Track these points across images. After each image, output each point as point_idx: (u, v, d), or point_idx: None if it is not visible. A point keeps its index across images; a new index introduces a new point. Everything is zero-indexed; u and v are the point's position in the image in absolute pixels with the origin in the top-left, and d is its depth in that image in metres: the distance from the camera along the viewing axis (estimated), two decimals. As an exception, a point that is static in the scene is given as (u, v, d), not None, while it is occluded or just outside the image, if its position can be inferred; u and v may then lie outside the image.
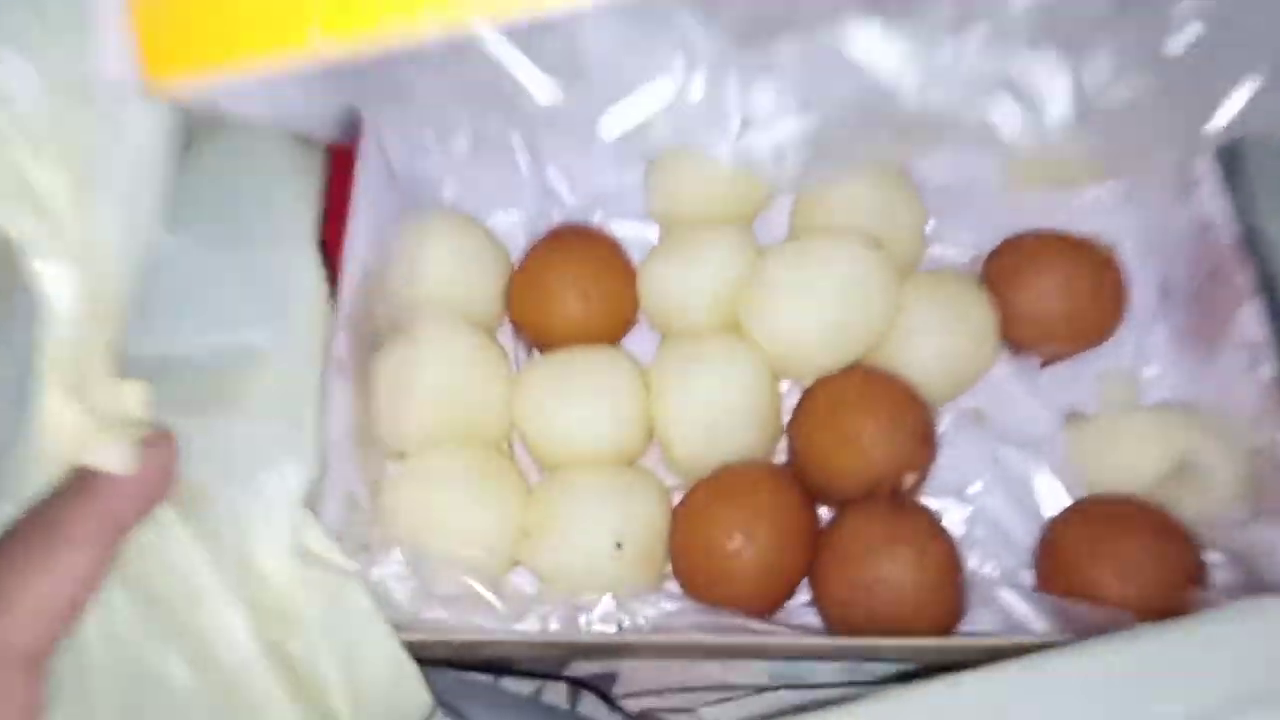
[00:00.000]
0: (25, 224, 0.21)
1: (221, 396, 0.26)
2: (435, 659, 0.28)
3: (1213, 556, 0.29)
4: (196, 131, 0.29)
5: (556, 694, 0.31)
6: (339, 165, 0.32)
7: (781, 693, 0.32)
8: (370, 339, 0.31)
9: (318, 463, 0.26)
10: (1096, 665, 0.23)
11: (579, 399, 0.30)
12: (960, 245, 0.35)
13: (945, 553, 0.28)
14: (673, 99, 0.28)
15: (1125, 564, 0.28)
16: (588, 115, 0.29)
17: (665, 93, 0.29)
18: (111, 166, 0.22)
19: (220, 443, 0.24)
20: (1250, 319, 0.30)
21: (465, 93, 0.29)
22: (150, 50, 0.24)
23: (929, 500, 0.31)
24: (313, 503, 0.25)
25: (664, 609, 0.28)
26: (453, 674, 0.30)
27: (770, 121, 0.29)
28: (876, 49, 0.27)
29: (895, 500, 0.29)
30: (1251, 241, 0.31)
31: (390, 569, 0.26)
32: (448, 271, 0.32)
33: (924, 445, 0.30)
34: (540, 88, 0.26)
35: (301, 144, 0.31)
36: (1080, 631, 0.26)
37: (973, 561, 0.31)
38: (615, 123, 0.29)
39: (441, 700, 0.27)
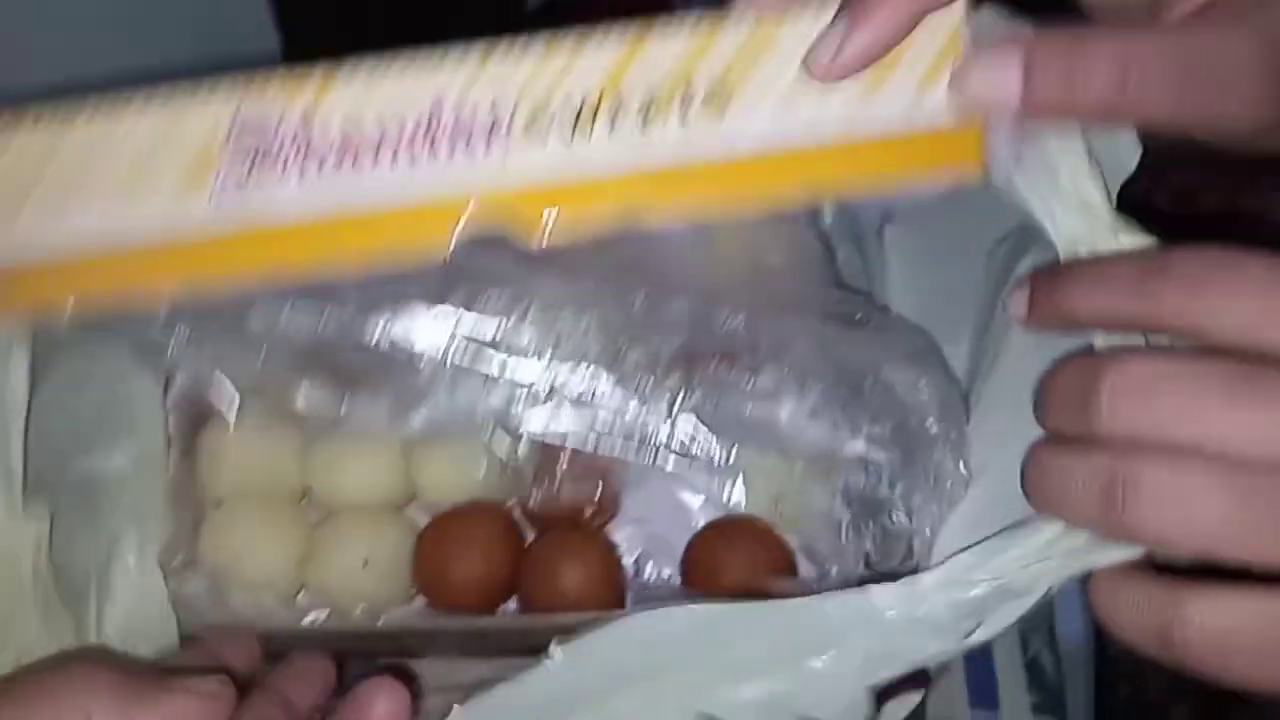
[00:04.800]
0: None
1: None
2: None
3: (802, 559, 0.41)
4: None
5: None
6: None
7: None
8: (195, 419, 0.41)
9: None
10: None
11: (358, 457, 0.41)
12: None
13: (608, 561, 0.40)
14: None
15: (738, 562, 0.40)
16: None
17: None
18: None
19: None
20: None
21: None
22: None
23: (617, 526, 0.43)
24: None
25: (408, 610, 0.39)
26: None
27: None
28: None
29: (574, 525, 0.40)
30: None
31: (197, 587, 0.36)
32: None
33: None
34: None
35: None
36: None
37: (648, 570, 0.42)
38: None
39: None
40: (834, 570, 0.41)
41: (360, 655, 0.42)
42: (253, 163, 0.23)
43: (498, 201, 0.23)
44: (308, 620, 0.38)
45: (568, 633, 0.38)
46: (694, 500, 0.43)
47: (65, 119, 0.23)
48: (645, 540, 0.43)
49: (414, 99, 0.23)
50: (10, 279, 0.23)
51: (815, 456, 0.41)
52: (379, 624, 0.38)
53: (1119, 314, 0.23)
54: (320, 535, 0.40)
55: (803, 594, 0.37)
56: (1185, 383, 0.22)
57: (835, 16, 0.24)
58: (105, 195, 0.23)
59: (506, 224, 0.23)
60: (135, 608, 0.31)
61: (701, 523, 0.43)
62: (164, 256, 0.23)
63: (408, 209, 0.23)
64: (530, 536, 0.41)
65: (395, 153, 0.23)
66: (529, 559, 0.40)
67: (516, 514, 0.41)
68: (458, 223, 0.23)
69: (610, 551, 0.41)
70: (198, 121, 0.23)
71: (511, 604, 0.41)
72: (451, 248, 0.23)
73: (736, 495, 0.42)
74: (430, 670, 0.41)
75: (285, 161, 0.23)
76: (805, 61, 0.23)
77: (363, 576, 0.38)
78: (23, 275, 0.23)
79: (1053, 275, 0.25)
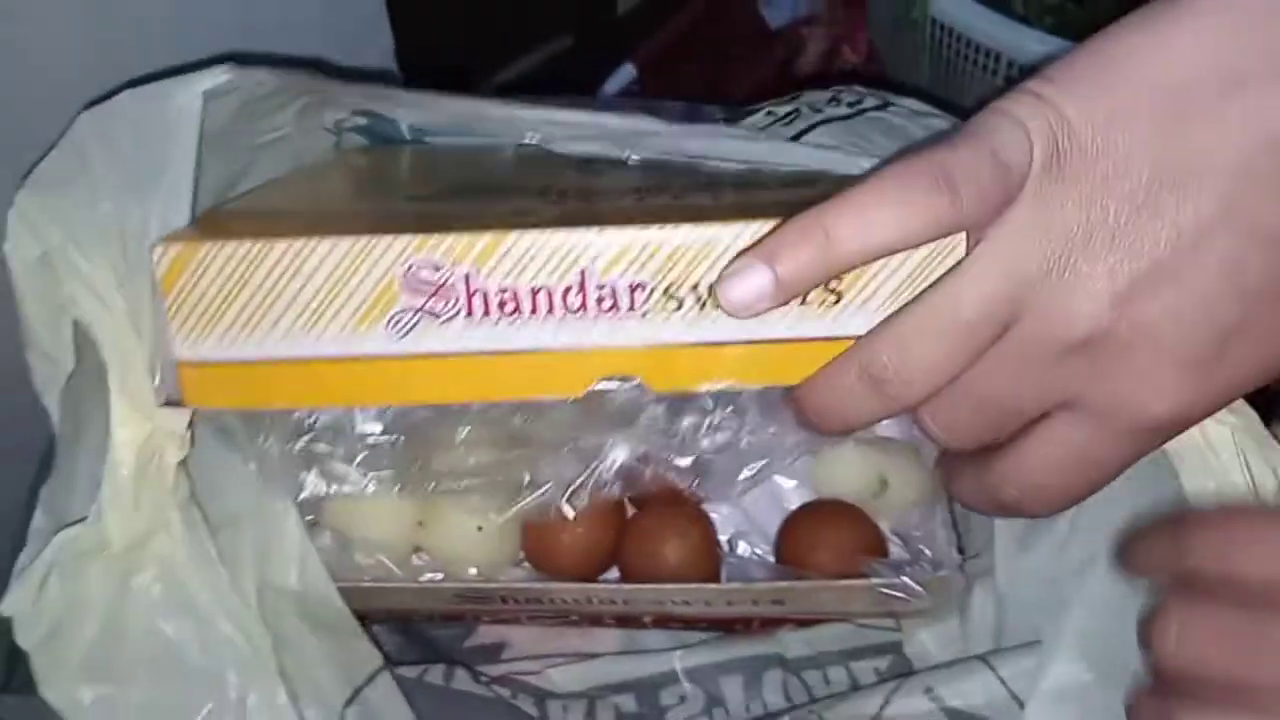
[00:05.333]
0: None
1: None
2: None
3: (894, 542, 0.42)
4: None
5: (435, 675, 0.42)
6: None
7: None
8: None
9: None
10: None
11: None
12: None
13: (707, 536, 0.42)
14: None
15: (830, 542, 0.41)
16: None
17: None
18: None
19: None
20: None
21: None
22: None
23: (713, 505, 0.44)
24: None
25: (516, 575, 0.42)
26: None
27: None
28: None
29: (675, 502, 0.42)
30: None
31: (322, 543, 0.39)
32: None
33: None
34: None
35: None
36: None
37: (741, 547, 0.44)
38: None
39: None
40: (926, 552, 0.42)
41: (464, 618, 0.44)
42: (425, 305, 0.27)
43: (628, 356, 0.28)
44: (424, 580, 0.41)
45: (664, 602, 0.40)
46: (788, 483, 0.45)
47: (265, 245, 0.27)
48: (740, 520, 0.45)
49: (565, 269, 0.27)
50: (206, 373, 0.28)
51: (908, 441, 0.42)
52: (490, 585, 0.40)
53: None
54: (437, 503, 0.42)
55: (894, 576, 0.38)
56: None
57: (746, 250, 0.26)
58: (295, 315, 0.27)
59: (634, 375, 0.28)
60: (284, 549, 0.34)
61: (795, 505, 0.44)
62: (341, 372, 0.27)
63: (554, 355, 0.28)
64: (632, 510, 0.44)
65: (550, 309, 0.27)
66: (632, 531, 0.42)
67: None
68: (595, 370, 0.28)
69: (708, 528, 0.42)
70: (380, 264, 0.27)
71: (612, 574, 0.43)
72: (586, 390, 0.28)
73: (829, 478, 0.44)
74: (526, 638, 0.44)
75: (453, 307, 0.27)
76: (716, 287, 0.26)
77: (476, 541, 0.41)
78: (216, 372, 0.28)
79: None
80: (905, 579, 0.38)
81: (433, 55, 0.61)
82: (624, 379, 0.28)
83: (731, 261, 0.26)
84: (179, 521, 0.31)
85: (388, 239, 0.26)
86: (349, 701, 0.35)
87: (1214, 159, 0.25)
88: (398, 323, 0.27)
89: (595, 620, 0.43)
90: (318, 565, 0.35)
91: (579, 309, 0.27)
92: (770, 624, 0.42)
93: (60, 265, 0.31)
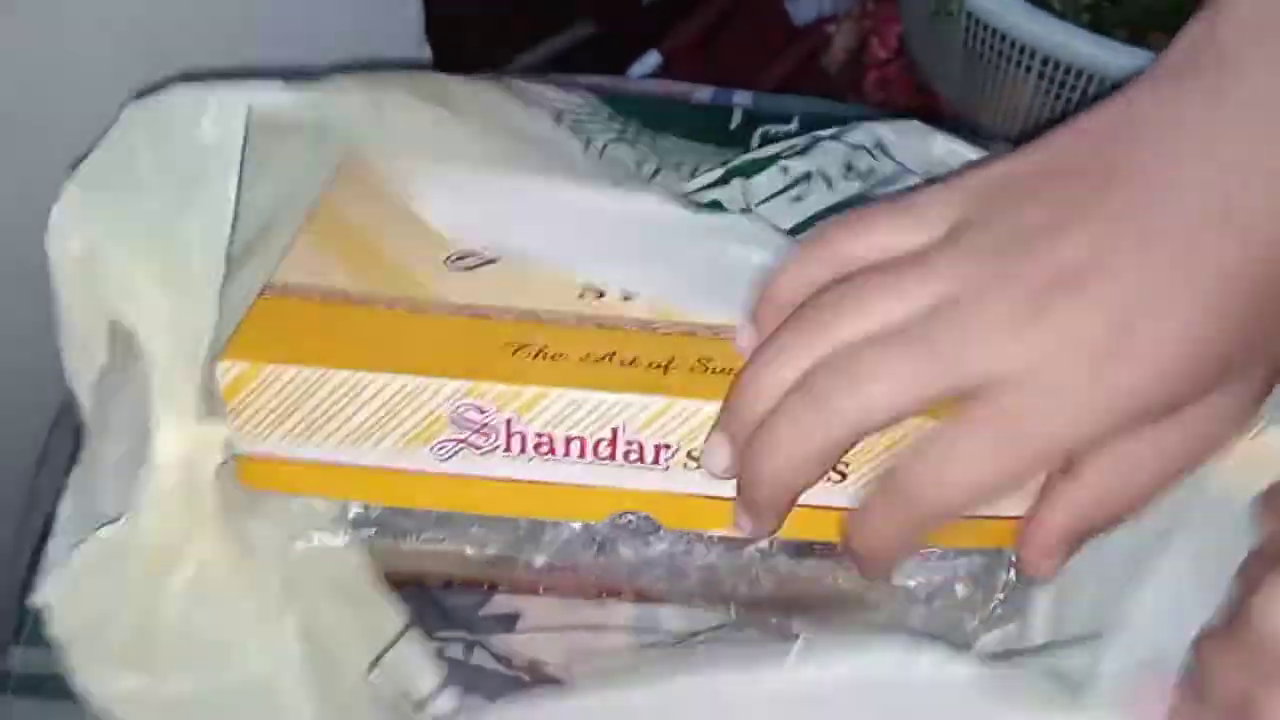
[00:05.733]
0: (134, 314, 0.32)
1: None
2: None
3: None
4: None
5: (455, 650, 0.42)
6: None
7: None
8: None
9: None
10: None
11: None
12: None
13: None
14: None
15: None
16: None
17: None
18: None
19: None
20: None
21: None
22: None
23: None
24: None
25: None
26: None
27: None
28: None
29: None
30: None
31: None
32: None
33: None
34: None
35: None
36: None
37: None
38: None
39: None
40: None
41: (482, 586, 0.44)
42: (468, 438, 0.29)
43: (647, 497, 0.31)
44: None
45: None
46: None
47: (321, 373, 0.29)
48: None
49: (601, 425, 0.29)
50: (262, 464, 0.30)
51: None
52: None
53: None
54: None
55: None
56: None
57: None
58: (347, 433, 0.29)
59: (649, 515, 0.31)
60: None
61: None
62: (386, 479, 0.30)
63: (580, 489, 0.31)
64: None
65: (581, 454, 0.30)
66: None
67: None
68: (616, 505, 0.31)
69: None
70: (430, 404, 0.29)
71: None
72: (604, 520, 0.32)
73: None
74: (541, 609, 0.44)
75: (494, 442, 0.30)
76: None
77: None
78: (272, 464, 0.30)
79: None
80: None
81: (459, 38, 0.61)
82: (639, 515, 0.31)
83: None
84: (216, 524, 0.31)
85: (439, 382, 0.29)
86: (374, 663, 0.35)
87: None
88: (441, 449, 0.29)
89: (613, 592, 0.44)
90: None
91: (608, 457, 0.30)
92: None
93: (103, 264, 0.32)
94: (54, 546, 0.32)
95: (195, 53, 0.41)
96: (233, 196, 0.31)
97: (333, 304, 0.31)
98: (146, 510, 0.30)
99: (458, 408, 0.29)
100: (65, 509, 0.32)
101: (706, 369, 0.30)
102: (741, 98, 0.49)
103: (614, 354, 0.30)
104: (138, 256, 0.31)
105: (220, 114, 0.32)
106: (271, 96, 0.34)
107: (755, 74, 0.75)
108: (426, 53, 0.57)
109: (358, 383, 0.29)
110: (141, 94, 0.33)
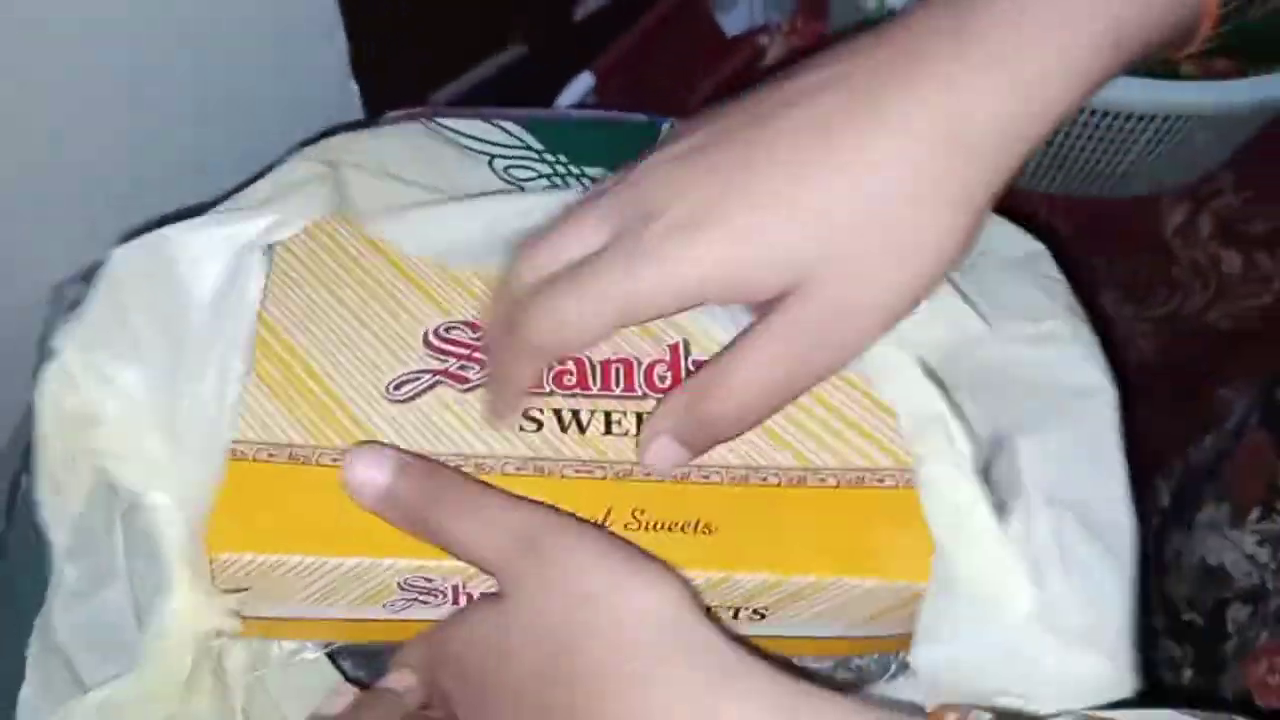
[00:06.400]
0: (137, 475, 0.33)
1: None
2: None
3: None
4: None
5: None
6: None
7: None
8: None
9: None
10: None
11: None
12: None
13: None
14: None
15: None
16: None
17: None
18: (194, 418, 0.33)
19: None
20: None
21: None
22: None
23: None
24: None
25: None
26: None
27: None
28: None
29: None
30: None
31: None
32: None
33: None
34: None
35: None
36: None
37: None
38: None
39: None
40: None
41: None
42: (417, 598, 0.32)
43: None
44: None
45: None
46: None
47: (282, 558, 0.31)
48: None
49: None
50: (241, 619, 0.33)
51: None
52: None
53: None
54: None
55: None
56: None
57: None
58: (309, 596, 0.32)
59: None
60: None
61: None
62: (346, 625, 0.34)
63: None
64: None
65: None
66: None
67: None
68: None
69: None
70: (381, 577, 0.32)
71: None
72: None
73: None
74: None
75: (441, 600, 0.32)
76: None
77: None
78: (250, 621, 0.33)
79: None
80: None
81: (387, 64, 0.60)
82: None
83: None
84: (214, 685, 0.33)
85: (389, 561, 0.31)
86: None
87: None
88: (393, 605, 0.32)
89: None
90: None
91: None
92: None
93: (100, 424, 0.33)
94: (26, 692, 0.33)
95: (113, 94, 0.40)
96: (240, 365, 0.33)
97: (289, 465, 0.32)
98: (149, 669, 0.31)
99: (406, 579, 0.31)
100: (33, 649, 0.33)
101: (640, 524, 0.31)
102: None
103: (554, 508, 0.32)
104: (140, 425, 0.32)
105: (209, 254, 0.34)
106: (251, 227, 0.35)
107: (690, 87, 0.75)
108: (353, 87, 0.56)
109: (313, 564, 0.31)
110: (127, 237, 0.34)
